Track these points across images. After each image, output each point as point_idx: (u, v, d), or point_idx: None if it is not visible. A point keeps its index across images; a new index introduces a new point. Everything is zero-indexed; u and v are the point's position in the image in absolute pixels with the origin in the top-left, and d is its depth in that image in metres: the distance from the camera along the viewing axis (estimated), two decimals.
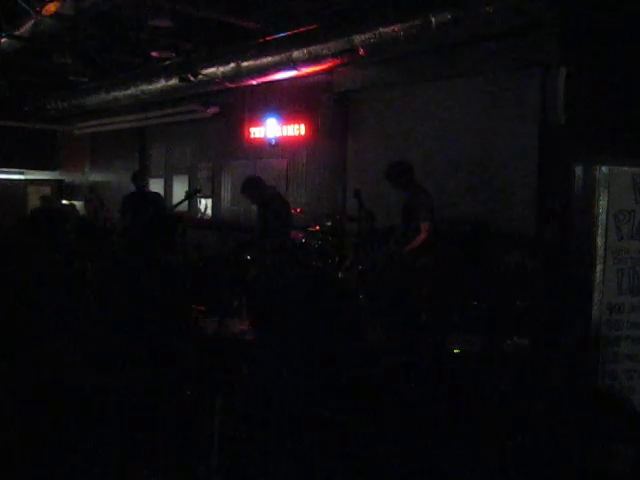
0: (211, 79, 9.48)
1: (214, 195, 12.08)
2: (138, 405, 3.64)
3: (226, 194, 11.90)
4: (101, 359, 3.78)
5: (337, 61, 7.99)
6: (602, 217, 4.44)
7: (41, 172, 16.63)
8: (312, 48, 7.96)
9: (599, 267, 4.45)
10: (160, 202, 8.53)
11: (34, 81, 12.82)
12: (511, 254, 6.73)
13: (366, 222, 7.87)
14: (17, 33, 8.62)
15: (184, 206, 12.19)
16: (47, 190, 15.41)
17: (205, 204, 12.23)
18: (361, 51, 7.50)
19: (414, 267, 5.74)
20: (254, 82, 9.45)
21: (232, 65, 9.09)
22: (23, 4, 7.62)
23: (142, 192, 8.48)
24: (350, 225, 7.96)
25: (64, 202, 14.14)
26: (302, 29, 8.09)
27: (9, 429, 3.45)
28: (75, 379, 3.82)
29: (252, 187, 6.55)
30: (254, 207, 11.13)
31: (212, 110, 11.74)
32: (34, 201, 14.87)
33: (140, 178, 8.54)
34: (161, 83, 10.55)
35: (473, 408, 4.32)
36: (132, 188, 8.75)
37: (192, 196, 8.67)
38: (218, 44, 9.37)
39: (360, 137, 9.65)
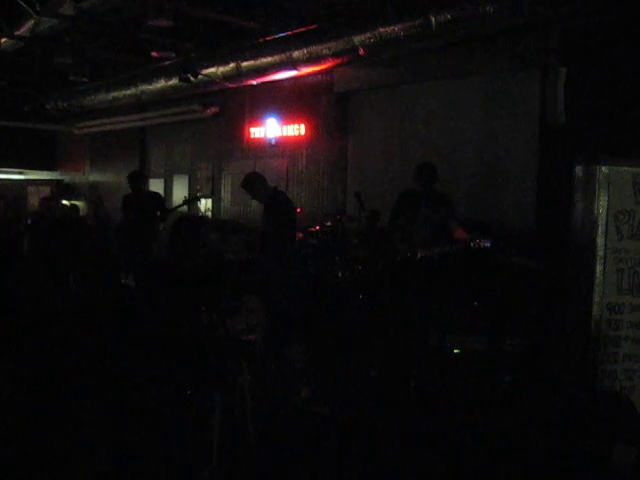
0: (211, 79, 9.48)
1: (214, 195, 12.08)
2: (138, 403, 3.65)
3: (226, 194, 11.90)
4: (102, 356, 3.78)
5: (337, 61, 7.98)
6: (602, 217, 4.45)
7: (41, 172, 16.64)
8: (312, 48, 7.95)
9: (599, 267, 4.45)
10: (162, 202, 8.48)
11: (34, 81, 12.81)
12: (511, 254, 6.73)
13: (369, 221, 7.88)
14: (17, 33, 8.62)
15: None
16: (47, 191, 15.45)
17: (205, 204, 12.23)
18: (361, 51, 7.50)
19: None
20: (254, 82, 9.45)
21: (232, 65, 9.09)
22: (23, 4, 7.62)
23: (141, 192, 8.43)
24: (350, 225, 7.97)
25: (64, 202, 14.14)
26: (302, 29, 8.09)
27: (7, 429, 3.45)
28: (74, 377, 3.82)
29: (252, 183, 6.39)
30: (254, 207, 11.17)
31: (212, 110, 11.74)
32: (34, 201, 14.88)
33: (136, 179, 8.47)
34: (161, 83, 10.54)
35: (473, 407, 4.32)
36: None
37: (192, 202, 8.61)
38: (218, 44, 9.37)
39: (360, 137, 9.65)
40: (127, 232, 7.98)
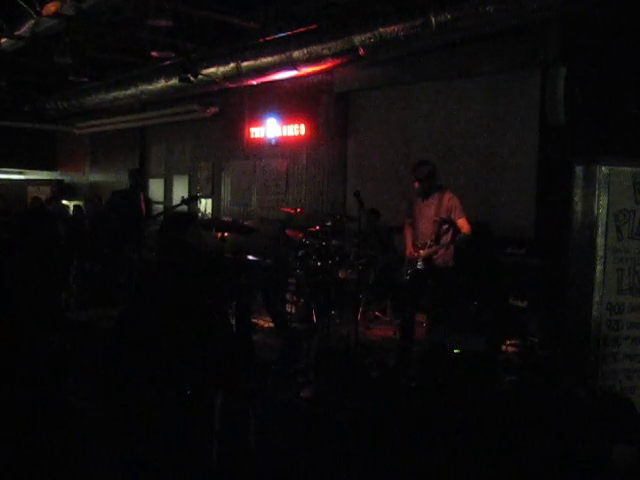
0: (211, 79, 9.48)
1: (214, 195, 12.08)
2: (137, 403, 3.64)
3: (226, 194, 11.90)
4: (102, 356, 3.78)
5: (337, 61, 7.98)
6: (602, 217, 4.44)
7: (41, 172, 16.64)
8: (312, 48, 7.95)
9: (599, 267, 4.45)
10: (150, 208, 8.41)
11: (34, 81, 12.82)
12: (511, 254, 6.73)
13: (369, 221, 7.87)
14: (17, 33, 8.62)
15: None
16: (47, 191, 15.46)
17: (205, 204, 12.23)
18: (361, 51, 7.50)
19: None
20: (254, 82, 9.45)
21: (232, 65, 9.09)
22: (23, 4, 7.62)
23: (135, 192, 8.34)
24: (350, 225, 7.96)
25: (65, 202, 14.16)
26: (302, 29, 8.09)
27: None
28: (74, 376, 3.82)
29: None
30: (254, 207, 11.18)
31: (212, 110, 11.74)
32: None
33: (138, 176, 8.42)
34: (161, 83, 10.55)
35: (473, 407, 4.32)
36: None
37: (191, 201, 8.53)
38: (218, 44, 9.37)
39: (360, 137, 9.65)
40: (111, 231, 7.90)
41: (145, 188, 12.61)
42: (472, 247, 5.88)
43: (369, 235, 7.92)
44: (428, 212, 5.63)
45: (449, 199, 5.60)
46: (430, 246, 5.54)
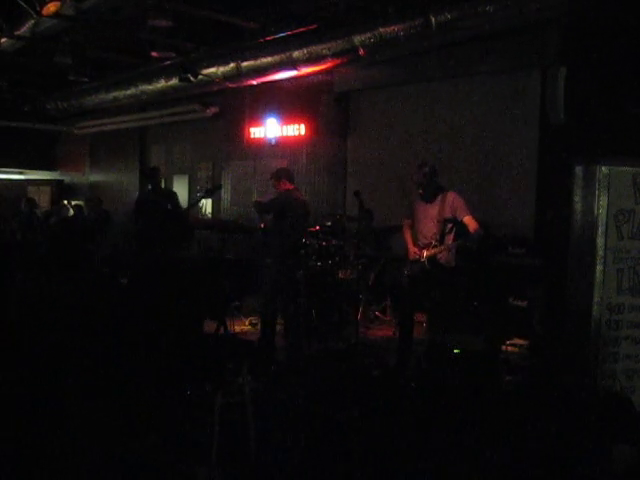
0: (211, 79, 9.48)
1: (214, 195, 12.08)
2: (138, 402, 3.65)
3: (226, 194, 11.89)
4: (102, 355, 3.79)
5: (337, 61, 7.99)
6: (602, 217, 4.45)
7: (41, 172, 16.64)
8: (312, 48, 7.96)
9: (599, 267, 4.45)
10: (176, 200, 8.26)
11: (34, 81, 12.81)
12: (511, 254, 6.73)
13: (363, 221, 7.86)
14: (17, 33, 8.62)
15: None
16: (48, 190, 15.48)
17: (205, 204, 12.23)
18: (361, 51, 7.50)
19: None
20: (254, 82, 9.45)
21: (232, 65, 9.09)
22: (23, 4, 7.62)
23: (160, 191, 8.14)
24: (350, 225, 7.97)
25: (65, 202, 14.15)
26: (302, 29, 8.09)
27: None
28: (73, 376, 3.82)
29: (279, 176, 6.45)
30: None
31: (212, 110, 11.74)
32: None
33: (154, 175, 8.27)
34: (161, 83, 10.54)
35: (473, 407, 4.32)
36: (132, 188, 8.64)
37: (213, 193, 8.35)
38: (218, 44, 9.37)
39: (360, 137, 9.65)
40: (149, 237, 7.59)
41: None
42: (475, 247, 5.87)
43: (366, 235, 7.92)
44: (431, 212, 5.62)
45: (453, 199, 5.59)
46: (435, 246, 5.54)
